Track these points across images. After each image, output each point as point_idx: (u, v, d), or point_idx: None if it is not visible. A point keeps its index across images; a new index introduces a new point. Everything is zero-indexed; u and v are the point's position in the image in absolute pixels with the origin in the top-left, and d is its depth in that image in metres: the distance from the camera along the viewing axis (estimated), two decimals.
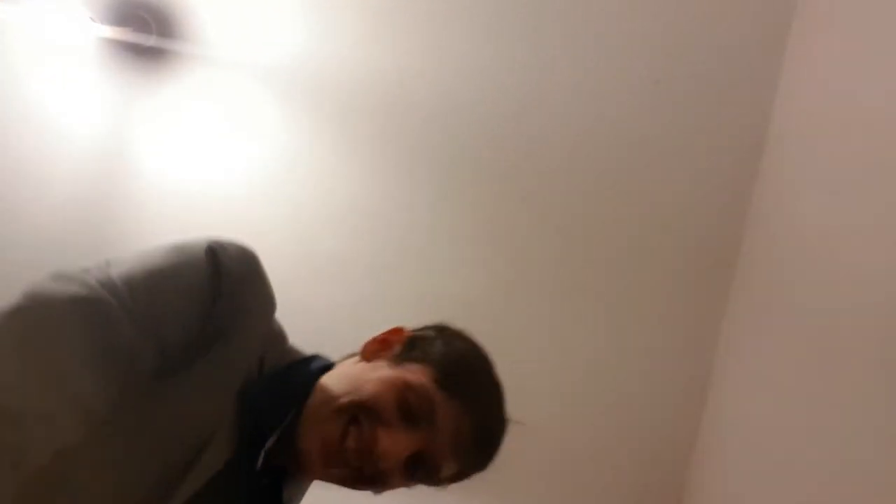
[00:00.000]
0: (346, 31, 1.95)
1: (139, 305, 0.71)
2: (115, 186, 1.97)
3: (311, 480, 0.93)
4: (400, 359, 0.91)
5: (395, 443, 0.83)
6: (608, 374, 2.02)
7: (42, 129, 1.96)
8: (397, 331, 0.98)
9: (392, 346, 0.94)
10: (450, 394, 0.87)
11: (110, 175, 1.98)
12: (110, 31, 1.89)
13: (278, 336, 0.92)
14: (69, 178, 1.96)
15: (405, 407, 0.85)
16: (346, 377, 0.88)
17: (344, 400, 0.84)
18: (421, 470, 0.87)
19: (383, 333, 0.97)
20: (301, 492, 0.94)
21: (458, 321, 1.97)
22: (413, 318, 1.97)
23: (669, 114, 1.93)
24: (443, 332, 0.97)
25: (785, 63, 1.88)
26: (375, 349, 0.93)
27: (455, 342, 0.96)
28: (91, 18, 1.88)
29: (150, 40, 1.92)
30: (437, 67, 1.94)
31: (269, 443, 0.81)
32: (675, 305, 2.00)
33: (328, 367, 0.92)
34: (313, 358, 0.94)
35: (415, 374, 0.88)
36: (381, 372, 0.88)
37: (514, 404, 2.01)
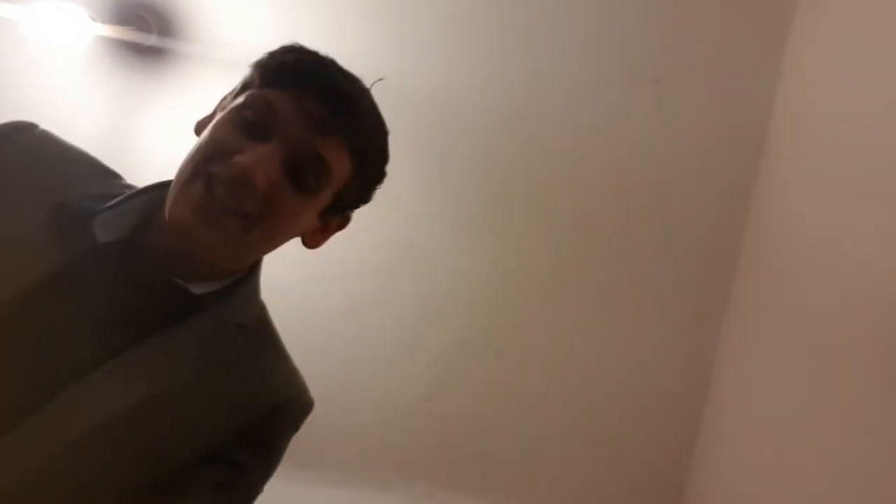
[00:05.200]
0: (347, 31, 1.95)
1: None
2: None
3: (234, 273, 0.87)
4: (228, 101, 0.86)
5: (254, 157, 0.76)
6: (608, 373, 2.02)
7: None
8: (225, 96, 0.91)
9: (220, 106, 0.88)
10: (278, 84, 0.81)
11: None
12: (110, 31, 1.89)
13: (107, 179, 0.90)
14: None
15: (246, 127, 0.80)
16: (188, 153, 0.83)
17: (191, 165, 0.80)
18: (309, 174, 0.81)
19: (213, 109, 0.90)
20: (247, 300, 0.89)
21: (460, 320, 1.99)
22: (412, 317, 1.99)
23: (669, 112, 1.93)
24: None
25: (785, 62, 1.89)
26: (205, 123, 0.87)
27: (269, 51, 0.87)
28: (91, 17, 1.88)
29: (150, 39, 1.92)
30: (437, 64, 1.94)
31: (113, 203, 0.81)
32: (675, 304, 2.00)
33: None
34: None
35: (243, 96, 0.83)
36: (214, 121, 0.83)
37: (515, 403, 2.02)
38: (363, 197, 0.92)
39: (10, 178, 0.82)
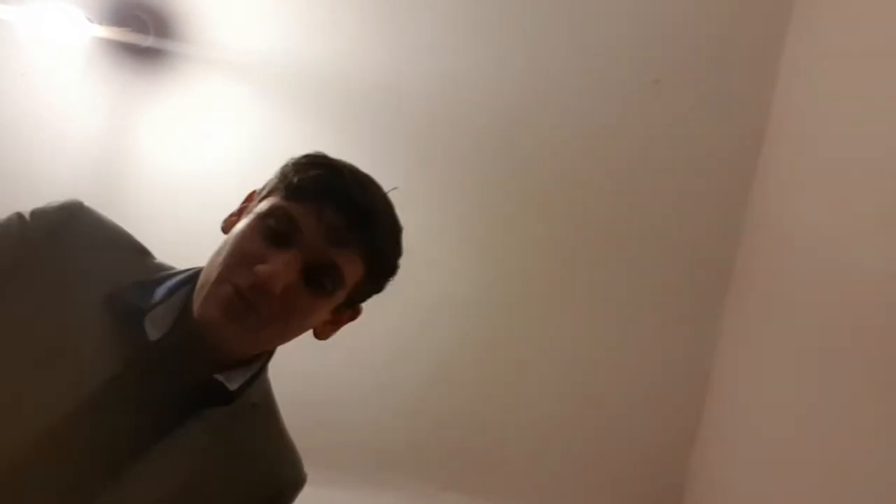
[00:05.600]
0: (344, 32, 1.95)
1: None
2: (111, 186, 1.97)
3: (252, 365, 0.93)
4: (255, 203, 0.93)
5: (274, 266, 0.83)
6: (607, 373, 2.02)
7: (38, 129, 1.95)
8: (250, 195, 0.97)
9: (247, 208, 0.94)
10: (300, 197, 0.88)
11: (107, 174, 1.97)
12: (107, 32, 1.89)
13: (143, 259, 0.96)
14: (65, 178, 1.96)
15: (269, 234, 0.86)
16: (214, 254, 0.89)
17: (219, 268, 0.86)
18: (324, 279, 0.88)
19: (240, 205, 0.97)
20: (261, 385, 0.95)
21: (459, 320, 1.98)
22: (414, 319, 1.98)
23: (669, 112, 1.93)
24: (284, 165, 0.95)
25: (783, 63, 1.89)
26: (233, 221, 0.93)
27: (294, 160, 0.94)
28: (88, 19, 1.87)
29: (148, 41, 1.91)
30: (436, 67, 1.94)
31: (160, 296, 0.87)
32: (674, 304, 2.00)
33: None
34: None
35: (266, 204, 0.89)
36: (239, 226, 0.90)
37: (514, 403, 2.02)
38: (374, 291, 0.99)
39: (67, 269, 0.88)
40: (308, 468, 1.01)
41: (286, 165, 0.94)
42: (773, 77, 1.89)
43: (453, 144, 1.95)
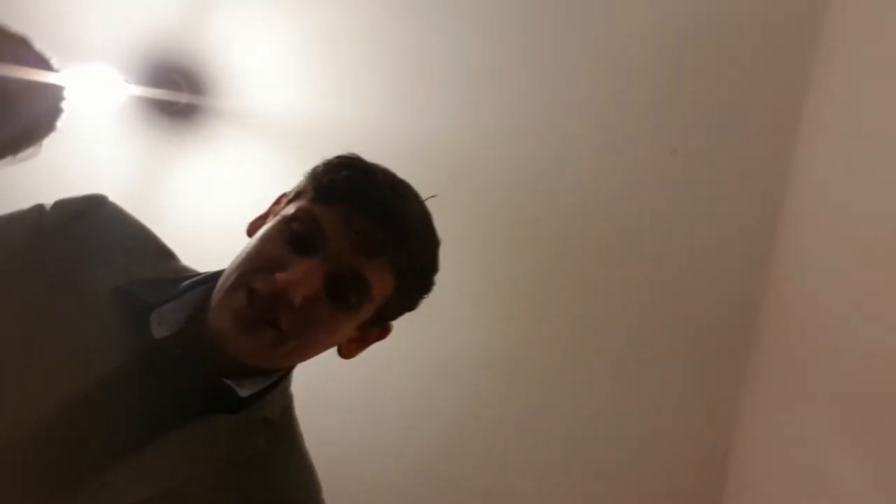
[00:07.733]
0: (371, 93, 2.00)
1: None
2: None
3: (276, 373, 0.86)
4: (282, 206, 0.86)
5: (296, 274, 0.76)
6: (623, 442, 1.99)
7: (73, 186, 2.01)
8: (279, 198, 0.90)
9: (274, 211, 0.88)
10: (328, 200, 0.81)
11: None
12: (143, 92, 1.96)
13: (165, 260, 0.93)
14: None
15: (293, 239, 0.80)
16: (236, 257, 0.84)
17: (235, 273, 0.81)
18: (349, 292, 0.80)
19: (268, 208, 0.91)
20: (279, 394, 0.88)
21: (472, 386, 1.97)
22: (424, 381, 1.98)
23: (687, 183, 1.94)
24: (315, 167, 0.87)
25: (801, 135, 1.89)
26: (258, 224, 0.87)
27: (326, 160, 0.87)
28: (125, 80, 1.94)
29: (182, 99, 1.98)
30: (456, 130, 1.97)
31: (169, 306, 0.83)
32: (694, 376, 1.97)
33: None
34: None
35: (293, 206, 0.83)
36: (262, 229, 0.84)
37: (528, 471, 1.99)
38: (406, 309, 0.91)
39: (79, 259, 0.85)
40: None
41: (317, 166, 0.87)
42: (792, 149, 1.89)
43: (469, 206, 1.96)
